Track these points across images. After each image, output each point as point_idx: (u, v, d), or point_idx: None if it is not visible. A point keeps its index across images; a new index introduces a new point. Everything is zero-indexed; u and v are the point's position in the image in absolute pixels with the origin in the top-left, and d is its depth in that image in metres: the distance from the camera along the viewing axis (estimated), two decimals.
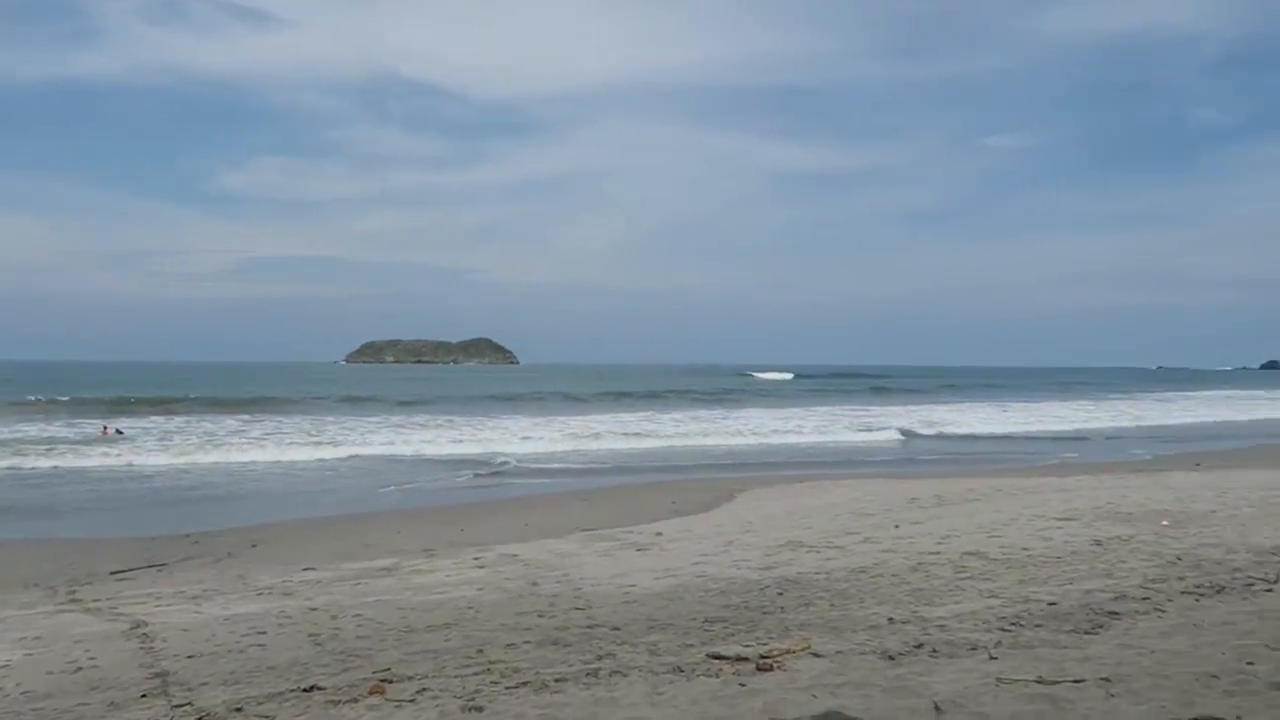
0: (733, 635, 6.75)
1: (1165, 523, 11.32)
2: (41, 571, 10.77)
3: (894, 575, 8.78)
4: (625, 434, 31.39)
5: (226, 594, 9.13)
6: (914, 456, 26.66)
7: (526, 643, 6.75)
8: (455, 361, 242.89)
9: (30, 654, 7.00)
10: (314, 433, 30.39)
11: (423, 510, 15.80)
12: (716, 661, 6.00)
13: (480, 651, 6.53)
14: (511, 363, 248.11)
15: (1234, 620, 6.67)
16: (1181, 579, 8.18)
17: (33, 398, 46.92)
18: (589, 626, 7.20)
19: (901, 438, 32.34)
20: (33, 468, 21.93)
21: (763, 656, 6.03)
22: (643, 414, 42.55)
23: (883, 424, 36.50)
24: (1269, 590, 7.67)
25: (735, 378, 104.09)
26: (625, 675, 5.79)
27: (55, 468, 22.03)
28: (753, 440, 30.83)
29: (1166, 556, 9.21)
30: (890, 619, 7.05)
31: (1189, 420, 42.70)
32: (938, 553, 9.84)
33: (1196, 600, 7.39)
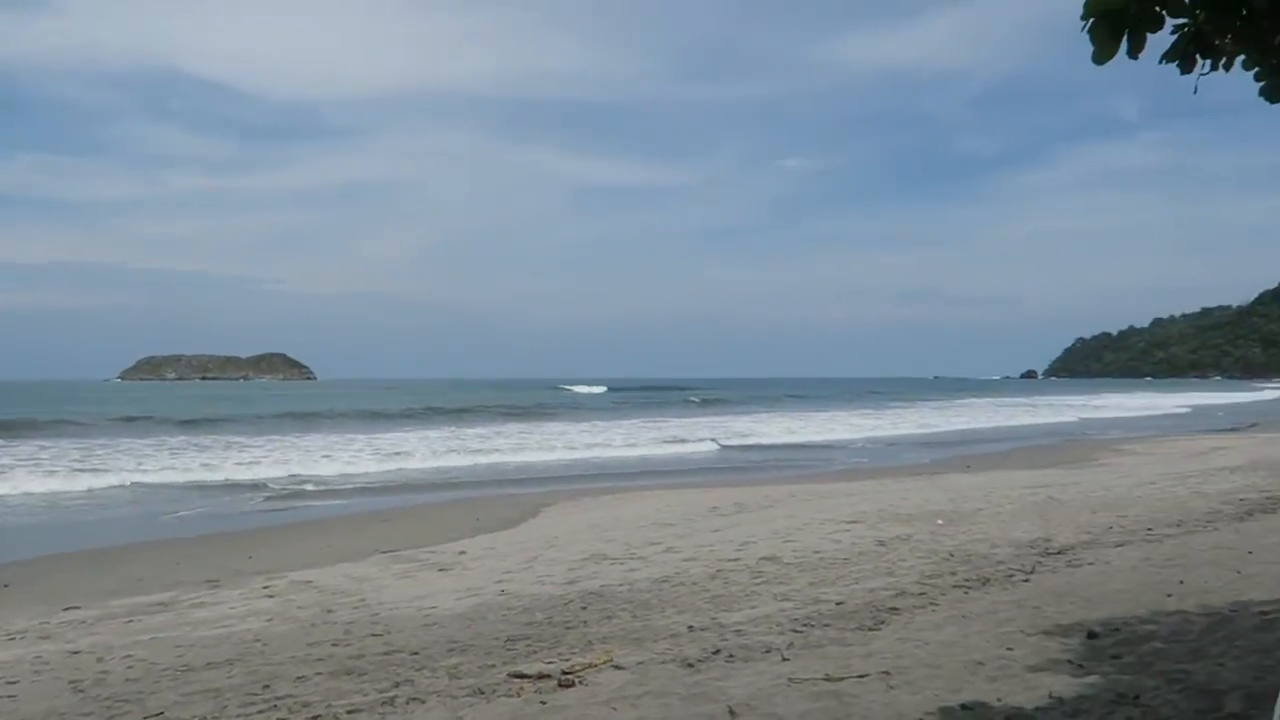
0: (535, 653, 6.68)
1: (940, 522, 12.23)
2: None
3: (694, 583, 8.99)
4: (430, 451, 30.58)
5: None
6: (719, 466, 27.49)
7: (318, 674, 6.41)
8: (246, 378, 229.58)
9: None
10: (80, 458, 27.68)
11: (207, 538, 14.72)
12: (518, 680, 5.92)
13: (267, 687, 6.14)
14: (308, 378, 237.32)
15: (997, 610, 7.27)
16: (953, 574, 8.85)
17: None
18: (386, 653, 6.93)
19: (710, 448, 33.30)
20: None
21: (565, 672, 6.00)
22: (448, 430, 41.63)
23: (691, 435, 37.42)
24: (1026, 581, 8.42)
25: (547, 391, 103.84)
26: (423, 701, 5.61)
27: None
28: (562, 454, 30.80)
29: (941, 553, 9.94)
30: (690, 627, 7.20)
31: (961, 426, 46.37)
32: (736, 559, 10.16)
33: (965, 593, 8.01)
